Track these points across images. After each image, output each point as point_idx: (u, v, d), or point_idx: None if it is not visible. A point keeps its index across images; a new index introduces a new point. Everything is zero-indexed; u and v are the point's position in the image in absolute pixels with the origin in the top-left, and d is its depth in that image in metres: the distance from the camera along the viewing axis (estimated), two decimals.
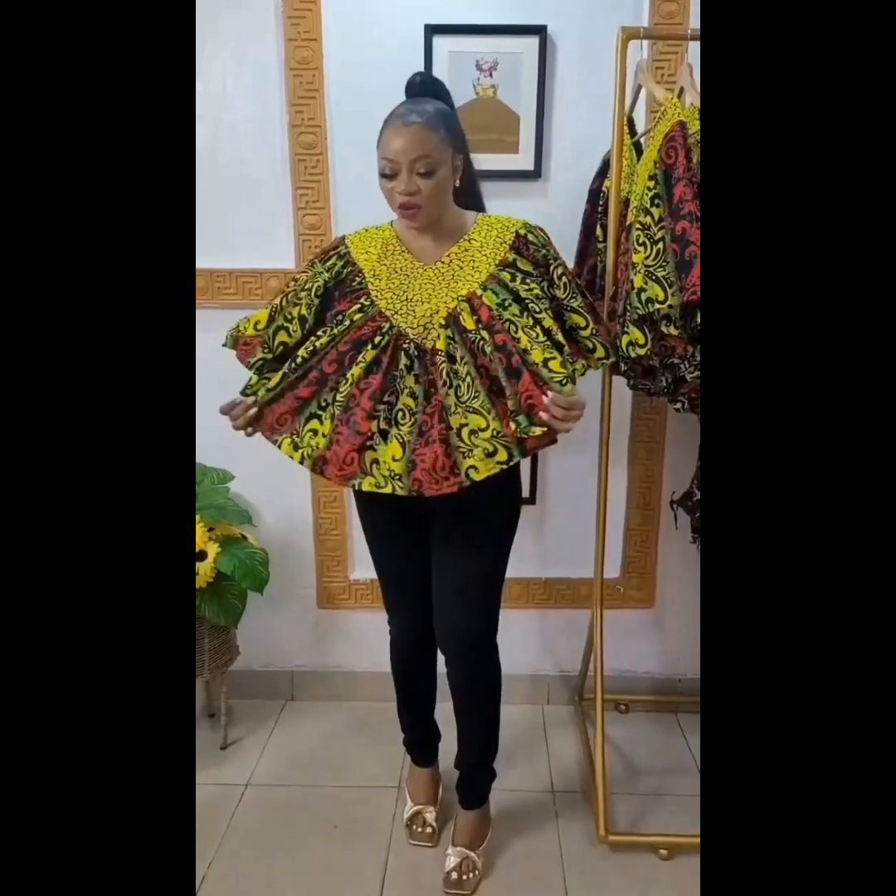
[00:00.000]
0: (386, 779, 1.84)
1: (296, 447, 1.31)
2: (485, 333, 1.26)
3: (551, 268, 1.33)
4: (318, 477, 2.00)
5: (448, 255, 1.33)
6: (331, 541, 2.06)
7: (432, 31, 1.74)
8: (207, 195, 1.80)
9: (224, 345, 1.45)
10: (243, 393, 1.39)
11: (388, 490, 1.26)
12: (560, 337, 1.28)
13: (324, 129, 1.80)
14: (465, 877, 1.52)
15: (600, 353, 1.35)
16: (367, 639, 2.08)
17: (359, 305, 1.32)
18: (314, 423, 1.31)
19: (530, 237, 1.34)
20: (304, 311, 1.36)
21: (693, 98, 1.49)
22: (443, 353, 1.27)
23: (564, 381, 1.23)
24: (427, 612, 1.50)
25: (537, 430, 1.23)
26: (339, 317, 1.33)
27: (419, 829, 1.65)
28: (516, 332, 1.26)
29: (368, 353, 1.29)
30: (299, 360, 1.33)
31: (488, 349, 1.26)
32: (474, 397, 1.25)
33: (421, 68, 1.75)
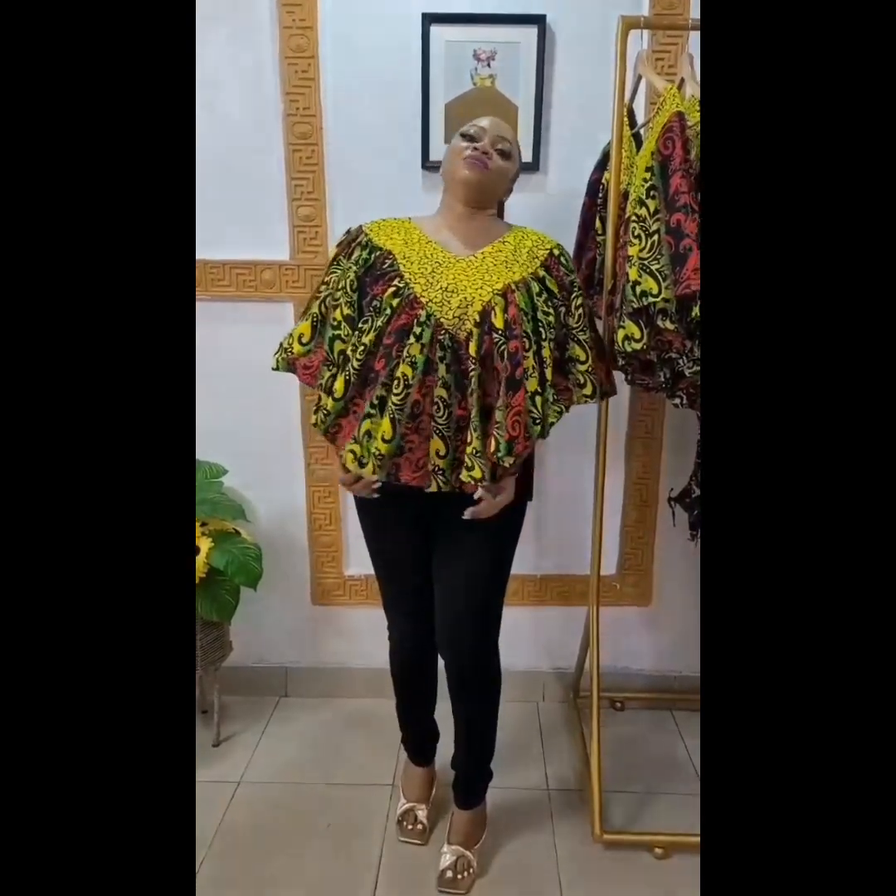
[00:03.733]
0: (380, 776, 1.83)
1: (359, 460, 1.27)
2: (504, 336, 1.26)
3: (572, 295, 1.36)
4: (312, 471, 2.00)
5: (482, 252, 1.33)
6: (325, 536, 2.04)
7: (430, 19, 1.71)
8: (201, 185, 1.77)
9: (275, 369, 1.39)
10: (325, 430, 1.33)
11: (433, 488, 1.27)
12: (549, 372, 1.29)
13: (319, 119, 1.77)
14: (460, 876, 1.51)
15: (588, 390, 1.36)
16: (362, 635, 2.07)
17: (394, 288, 1.27)
18: (368, 424, 1.26)
19: (563, 259, 1.37)
20: (348, 311, 1.31)
21: (693, 89, 1.47)
22: (474, 358, 1.25)
23: (510, 448, 1.25)
24: (428, 613, 1.47)
25: (509, 461, 1.26)
26: (376, 303, 1.28)
27: (410, 827, 1.64)
28: (527, 349, 1.26)
29: (414, 348, 1.24)
30: (356, 364, 1.28)
31: (503, 354, 1.25)
32: (472, 407, 1.25)
33: (418, 58, 1.73)
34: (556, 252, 1.36)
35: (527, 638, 2.11)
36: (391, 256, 1.31)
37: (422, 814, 1.66)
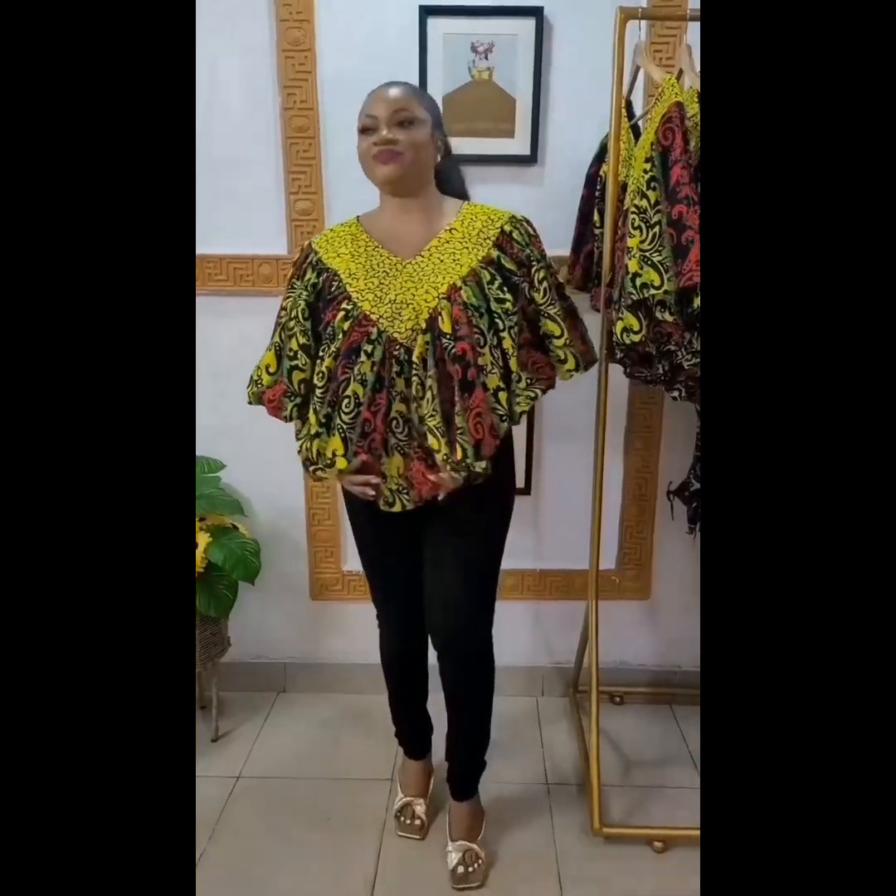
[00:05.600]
0: (378, 771, 1.82)
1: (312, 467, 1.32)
2: (452, 339, 1.22)
3: (533, 269, 1.29)
4: None
5: (428, 250, 1.28)
6: (323, 531, 2.04)
7: (427, 12, 1.70)
8: (198, 179, 1.76)
9: (249, 403, 1.40)
10: (309, 465, 1.33)
11: (397, 508, 1.31)
12: (513, 363, 1.24)
13: (316, 112, 1.76)
14: (471, 869, 1.50)
15: (570, 364, 1.32)
16: (360, 630, 2.06)
17: (343, 312, 1.26)
18: (317, 444, 1.28)
19: (515, 235, 1.28)
20: (302, 340, 1.30)
21: (692, 80, 1.46)
22: (417, 364, 1.23)
23: (480, 456, 1.23)
24: (417, 605, 1.47)
25: (480, 466, 1.24)
26: (329, 330, 1.27)
27: (408, 821, 1.63)
28: (482, 346, 1.22)
29: (364, 366, 1.24)
30: (320, 393, 1.28)
31: (450, 357, 1.22)
32: (432, 415, 1.22)
33: (415, 50, 1.73)
34: (507, 229, 1.28)
35: (526, 632, 2.10)
36: (337, 278, 1.29)
37: (420, 808, 1.65)
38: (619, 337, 1.41)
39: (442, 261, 1.27)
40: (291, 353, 1.31)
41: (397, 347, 1.25)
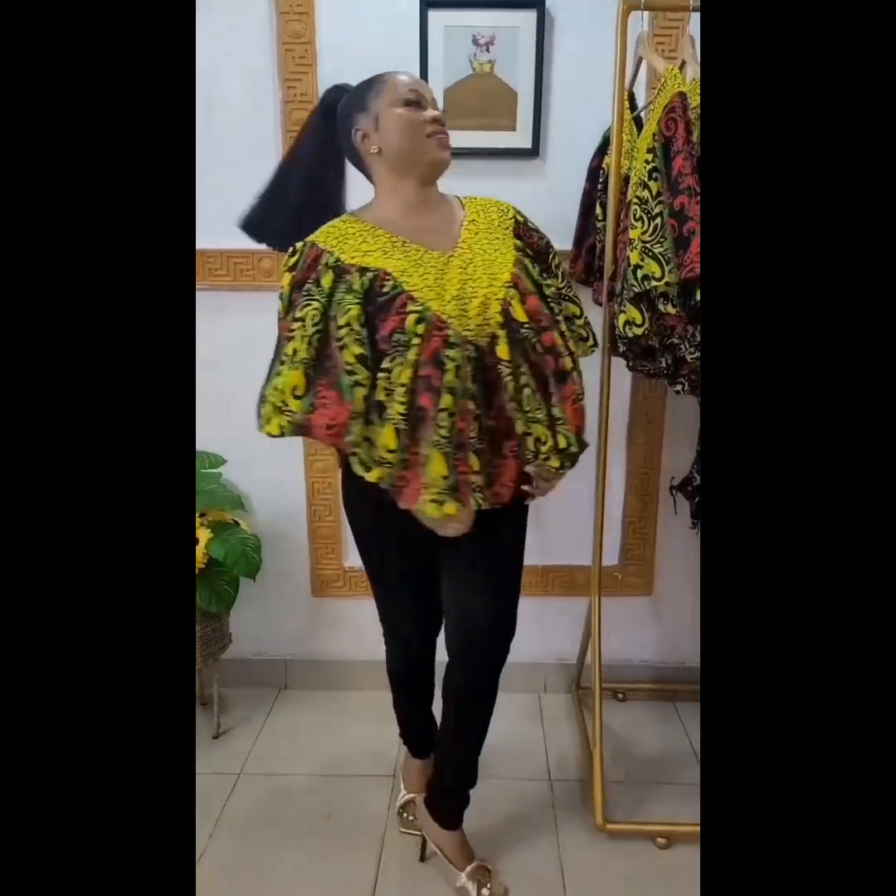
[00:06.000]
0: (380, 768, 1.82)
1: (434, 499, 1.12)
2: (533, 329, 1.17)
3: (550, 255, 1.32)
4: (311, 462, 1.98)
5: (464, 241, 1.21)
6: (324, 527, 2.03)
7: (428, 4, 1.69)
8: (198, 173, 1.75)
9: (278, 435, 1.15)
10: (391, 484, 1.14)
11: (476, 505, 1.15)
12: (572, 345, 1.24)
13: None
14: (490, 887, 1.44)
15: (591, 341, 1.36)
16: (362, 627, 2.05)
17: (414, 314, 1.11)
18: (435, 468, 1.11)
19: (529, 224, 1.30)
20: (359, 351, 1.10)
21: (695, 71, 1.45)
22: (506, 362, 1.15)
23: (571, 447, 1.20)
24: (431, 613, 1.42)
25: (581, 447, 1.22)
26: (400, 337, 1.10)
27: (411, 818, 1.62)
28: (560, 332, 1.21)
29: (449, 375, 1.10)
30: (402, 408, 1.10)
31: (539, 349, 1.17)
32: (539, 408, 1.17)
33: (416, 42, 1.72)
34: (519, 218, 1.29)
35: (528, 629, 2.07)
36: (388, 276, 1.14)
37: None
38: (621, 330, 1.40)
39: (484, 251, 1.21)
40: (348, 368, 1.10)
41: (468, 346, 1.14)
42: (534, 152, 1.77)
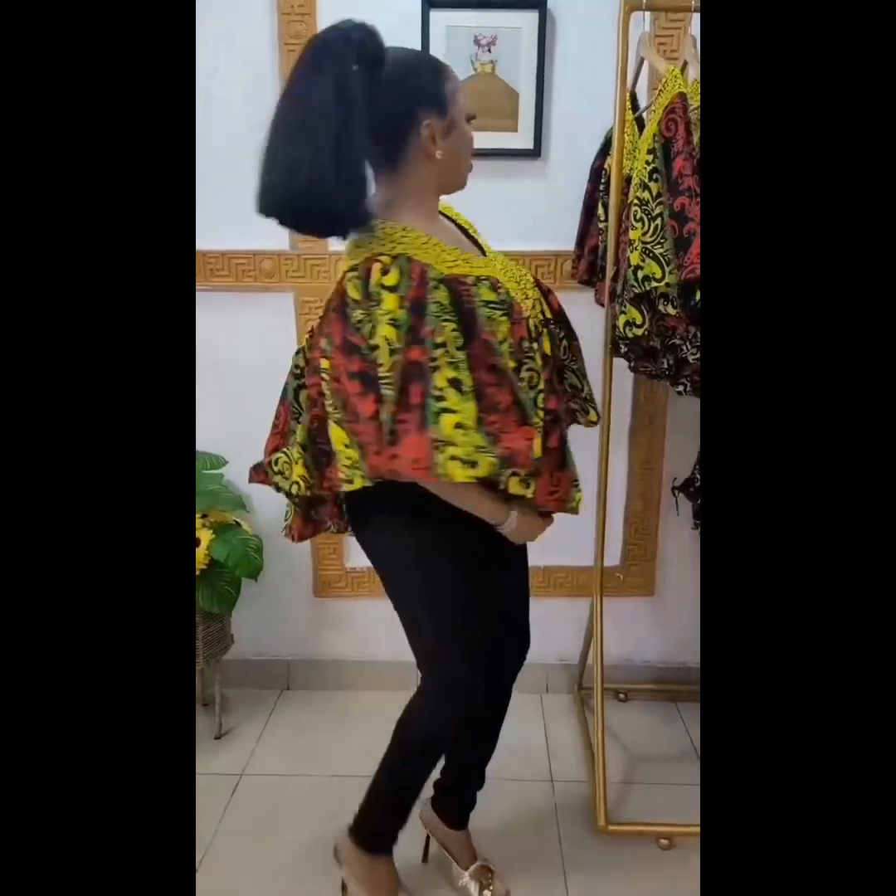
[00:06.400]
0: None
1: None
2: (560, 327, 1.27)
3: None
4: None
5: (483, 244, 1.25)
6: None
7: (429, 4, 1.69)
8: (199, 173, 1.75)
9: (489, 476, 1.02)
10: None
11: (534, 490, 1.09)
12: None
13: None
14: (491, 886, 1.46)
15: (593, 415, 1.41)
16: (364, 627, 2.06)
17: (528, 319, 1.11)
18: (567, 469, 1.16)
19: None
20: (452, 374, 1.01)
21: (697, 72, 1.45)
22: (548, 357, 1.15)
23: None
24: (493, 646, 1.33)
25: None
26: (533, 345, 1.09)
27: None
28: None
29: (537, 361, 1.10)
30: (542, 416, 1.08)
31: (564, 345, 1.28)
32: (583, 377, 1.33)
33: (417, 43, 1.71)
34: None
35: (531, 629, 2.09)
36: (500, 282, 1.09)
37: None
38: (621, 331, 1.40)
39: (495, 254, 1.23)
40: (437, 393, 1.00)
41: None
42: (535, 153, 1.77)
